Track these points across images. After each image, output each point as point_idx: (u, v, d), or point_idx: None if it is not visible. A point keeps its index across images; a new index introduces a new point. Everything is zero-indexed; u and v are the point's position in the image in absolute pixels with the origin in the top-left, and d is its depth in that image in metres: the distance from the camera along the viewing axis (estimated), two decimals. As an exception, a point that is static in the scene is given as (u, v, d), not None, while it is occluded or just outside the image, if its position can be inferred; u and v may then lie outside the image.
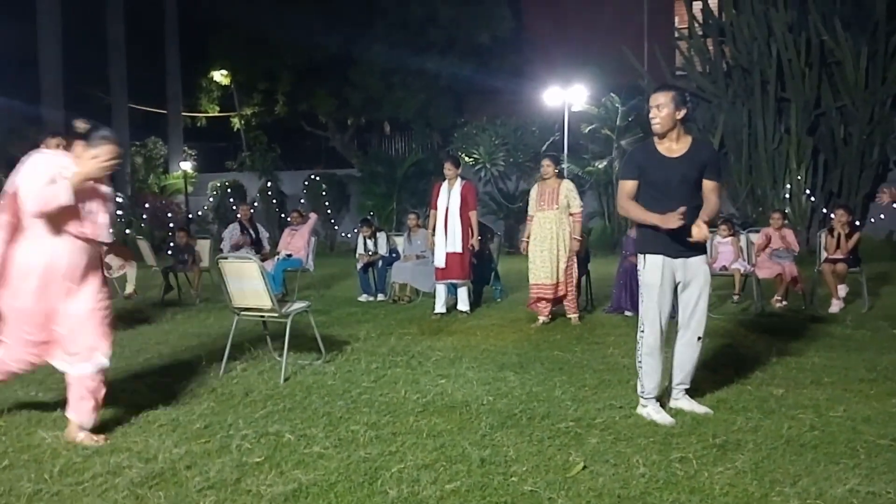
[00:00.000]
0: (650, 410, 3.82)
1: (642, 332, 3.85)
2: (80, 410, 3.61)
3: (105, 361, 3.64)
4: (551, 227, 6.66)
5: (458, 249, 7.26)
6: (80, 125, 3.52)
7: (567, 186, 6.78)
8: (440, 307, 7.41)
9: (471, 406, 4.08)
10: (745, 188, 14.38)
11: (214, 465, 3.21)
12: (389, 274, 8.77)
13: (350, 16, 19.91)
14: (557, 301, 6.86)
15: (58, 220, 3.41)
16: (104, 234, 3.61)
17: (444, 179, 7.49)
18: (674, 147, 3.80)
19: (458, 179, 7.43)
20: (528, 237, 6.88)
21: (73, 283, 3.54)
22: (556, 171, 6.82)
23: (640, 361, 3.88)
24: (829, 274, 7.33)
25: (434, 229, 7.46)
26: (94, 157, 3.43)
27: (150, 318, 7.64)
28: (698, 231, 3.63)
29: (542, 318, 6.82)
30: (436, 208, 7.45)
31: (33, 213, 3.36)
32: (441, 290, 7.45)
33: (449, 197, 7.34)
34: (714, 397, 4.15)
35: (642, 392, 3.88)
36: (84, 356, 3.56)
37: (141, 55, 21.97)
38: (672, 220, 3.60)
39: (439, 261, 7.35)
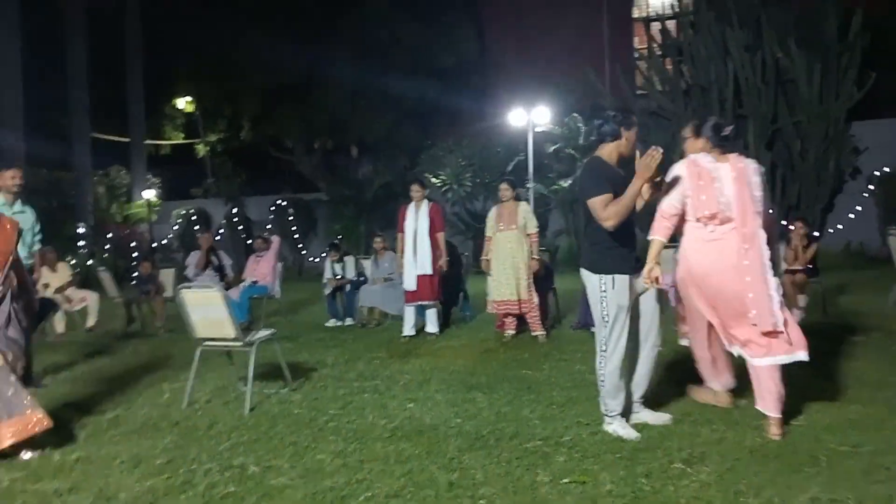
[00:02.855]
0: (616, 427, 3.83)
1: (604, 351, 3.82)
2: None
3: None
4: (511, 246, 6.91)
5: (429, 271, 7.26)
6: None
7: (524, 208, 7.08)
8: (409, 330, 7.39)
9: (439, 429, 4.07)
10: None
11: (177, 502, 3.15)
12: (357, 298, 8.72)
13: (314, 40, 19.98)
14: (522, 319, 7.02)
15: None
16: None
17: (410, 202, 7.50)
18: None
19: (425, 201, 7.45)
20: (489, 257, 7.13)
21: None
22: (514, 194, 7.10)
23: (602, 381, 3.85)
24: (789, 285, 7.48)
25: (403, 252, 7.46)
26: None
27: (112, 351, 7.49)
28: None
29: (509, 332, 7.10)
30: (403, 231, 7.45)
31: None
32: (410, 313, 7.43)
33: (417, 219, 7.34)
34: (679, 410, 4.19)
35: (607, 410, 3.89)
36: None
37: (103, 82, 21.75)
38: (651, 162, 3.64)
39: (410, 284, 7.33)
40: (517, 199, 7.15)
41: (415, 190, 7.47)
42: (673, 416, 4.01)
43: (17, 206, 5.72)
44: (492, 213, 7.20)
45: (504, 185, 7.13)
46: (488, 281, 7.11)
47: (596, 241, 3.85)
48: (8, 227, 3.92)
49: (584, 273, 3.90)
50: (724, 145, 3.90)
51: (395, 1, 19.84)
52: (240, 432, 4.17)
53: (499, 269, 6.97)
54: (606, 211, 3.68)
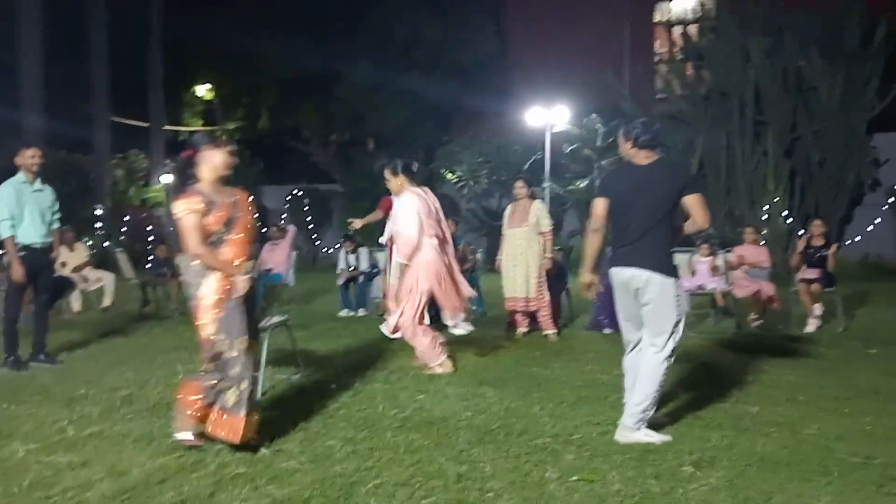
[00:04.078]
0: (649, 433, 3.73)
1: (670, 357, 3.70)
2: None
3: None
4: (521, 243, 6.86)
5: None
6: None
7: (537, 206, 7.01)
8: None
9: (449, 422, 4.07)
10: (723, 209, 14.58)
11: (188, 480, 3.18)
12: (370, 289, 8.75)
13: (335, 33, 20.02)
14: (533, 317, 6.97)
15: None
16: None
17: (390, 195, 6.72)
18: None
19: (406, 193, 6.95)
20: (501, 255, 7.08)
21: None
22: (529, 192, 7.04)
23: (659, 390, 3.71)
24: (805, 294, 7.43)
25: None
26: None
27: (126, 331, 7.56)
28: None
29: (521, 329, 7.06)
30: None
31: None
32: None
33: None
34: (689, 414, 4.17)
35: (646, 416, 3.71)
36: None
37: (124, 67, 21.86)
38: None
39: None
40: (532, 197, 7.10)
41: (394, 178, 6.75)
42: (686, 425, 3.99)
43: (37, 184, 5.77)
44: (507, 211, 7.17)
45: (519, 183, 7.08)
46: (503, 279, 7.08)
47: (667, 244, 3.74)
48: (246, 202, 3.68)
49: (656, 278, 3.66)
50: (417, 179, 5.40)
51: (418, -3, 19.87)
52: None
53: (508, 266, 6.95)
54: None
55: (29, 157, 5.68)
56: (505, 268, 7.00)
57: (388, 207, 6.88)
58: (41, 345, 5.83)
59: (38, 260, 5.69)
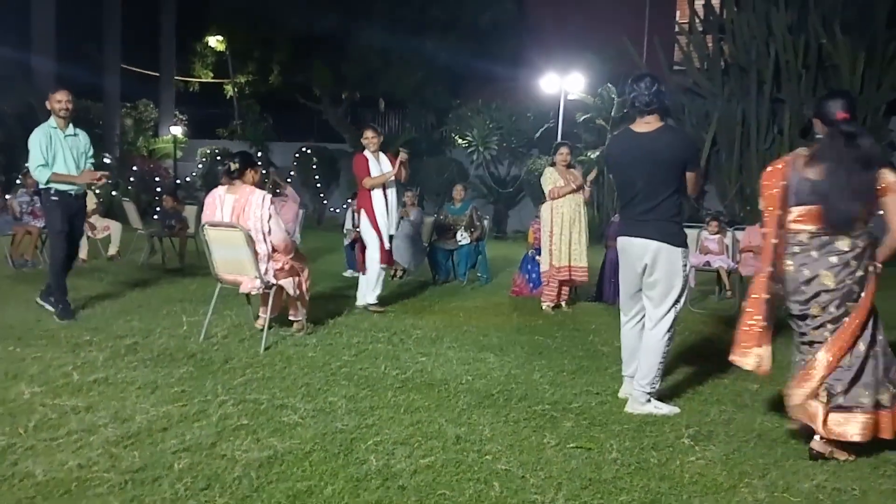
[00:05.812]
0: (657, 403, 3.75)
1: (671, 329, 3.70)
2: None
3: None
4: (580, 210, 6.73)
5: (393, 231, 6.48)
6: None
7: (577, 173, 6.96)
8: (373, 298, 6.35)
9: (449, 384, 4.11)
10: (735, 186, 14.46)
11: (190, 429, 3.22)
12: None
13: (350, -10, 19.66)
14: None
15: None
16: None
17: (363, 150, 6.48)
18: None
19: (380, 151, 6.46)
20: (551, 223, 6.74)
21: None
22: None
23: (663, 360, 3.71)
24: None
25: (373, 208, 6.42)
26: None
27: (132, 280, 7.59)
28: None
29: (562, 302, 6.87)
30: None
31: None
32: (382, 277, 6.44)
33: (381, 171, 6.36)
34: (689, 389, 4.20)
35: (654, 387, 3.73)
36: None
37: (136, 15, 21.60)
38: None
39: (387, 243, 6.39)
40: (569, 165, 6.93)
41: (370, 137, 6.42)
42: (686, 399, 4.01)
43: (70, 129, 5.64)
44: (551, 176, 6.73)
45: (565, 149, 6.82)
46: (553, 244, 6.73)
47: (675, 214, 3.67)
48: None
49: (665, 248, 3.62)
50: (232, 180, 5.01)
51: (435, -44, 19.45)
52: (254, 369, 4.24)
53: (567, 234, 6.68)
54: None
55: (57, 101, 5.57)
56: (563, 235, 6.66)
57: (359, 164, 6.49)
58: (52, 288, 5.85)
59: (73, 206, 5.63)
